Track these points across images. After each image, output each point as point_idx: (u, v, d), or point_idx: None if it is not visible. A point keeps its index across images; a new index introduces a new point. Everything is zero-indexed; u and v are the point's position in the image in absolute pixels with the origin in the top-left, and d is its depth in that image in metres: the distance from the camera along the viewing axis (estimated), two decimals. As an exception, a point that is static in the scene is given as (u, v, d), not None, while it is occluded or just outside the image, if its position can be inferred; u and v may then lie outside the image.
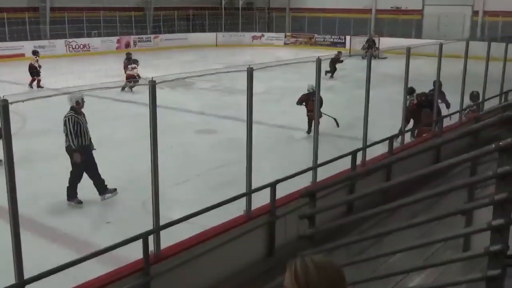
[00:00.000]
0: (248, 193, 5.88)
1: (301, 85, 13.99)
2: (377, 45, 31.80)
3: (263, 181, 5.97)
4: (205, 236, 5.39)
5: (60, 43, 31.57)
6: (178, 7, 38.14)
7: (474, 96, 12.34)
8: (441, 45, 9.74)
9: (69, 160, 8.61)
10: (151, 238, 4.68)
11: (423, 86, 12.29)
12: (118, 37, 34.58)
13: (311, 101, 12.39)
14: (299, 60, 6.56)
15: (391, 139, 8.27)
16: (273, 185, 6.00)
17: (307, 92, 13.06)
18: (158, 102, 4.54)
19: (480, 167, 5.17)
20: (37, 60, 20.30)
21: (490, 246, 3.01)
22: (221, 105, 16.77)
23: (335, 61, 22.07)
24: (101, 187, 8.78)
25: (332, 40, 37.72)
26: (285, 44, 39.30)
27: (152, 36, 36.64)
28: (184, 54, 25.29)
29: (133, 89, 19.12)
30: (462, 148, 7.04)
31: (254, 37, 40.15)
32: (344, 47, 35.97)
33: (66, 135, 8.46)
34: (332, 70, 22.57)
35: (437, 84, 10.19)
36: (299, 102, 13.29)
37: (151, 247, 4.71)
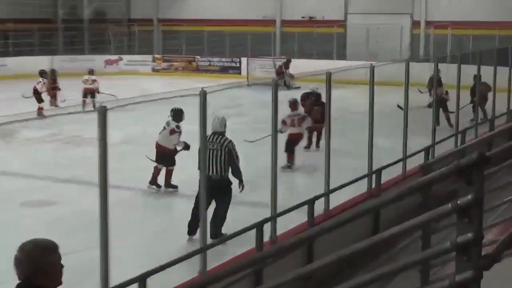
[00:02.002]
0: (105, 294, 5.75)
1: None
2: (289, 69, 32.77)
3: (127, 274, 5.85)
4: None
5: None
6: (-11, 19, 37.34)
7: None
8: (372, 69, 10.33)
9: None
10: None
11: (352, 126, 12.79)
12: None
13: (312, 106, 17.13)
14: (174, 94, 6.64)
15: (311, 203, 8.49)
16: (141, 280, 5.92)
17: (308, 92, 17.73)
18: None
19: (434, 237, 5.36)
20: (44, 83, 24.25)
21: None
22: (61, 163, 16.39)
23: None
24: (220, 229, 10.18)
25: (222, 64, 38.42)
26: (154, 70, 39.50)
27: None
28: (2, 88, 24.57)
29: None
30: (408, 211, 7.31)
31: (108, 62, 39.94)
32: (239, 73, 36.72)
33: (224, 160, 10.22)
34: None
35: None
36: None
37: None
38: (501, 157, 6.29)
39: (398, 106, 13.43)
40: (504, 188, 6.61)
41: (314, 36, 37.10)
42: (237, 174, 10.47)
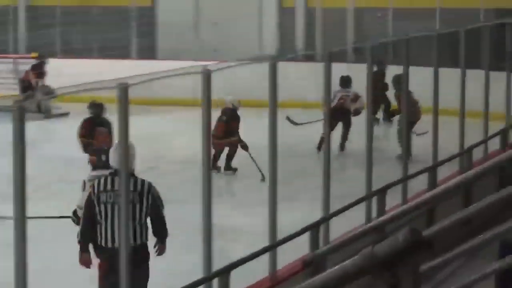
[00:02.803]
0: None
1: None
2: (44, 78, 25.70)
3: None
4: None
5: None
6: None
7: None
8: (207, 75, 8.78)
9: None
10: None
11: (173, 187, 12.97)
12: None
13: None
14: None
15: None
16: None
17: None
18: None
19: None
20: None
21: None
22: None
23: None
24: None
25: None
26: None
27: None
28: None
29: None
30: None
31: None
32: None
33: (145, 217, 9.13)
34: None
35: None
36: None
37: None
38: (452, 238, 6.09)
39: (288, 119, 12.85)
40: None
41: (92, 13, 30.91)
42: (163, 232, 9.56)
